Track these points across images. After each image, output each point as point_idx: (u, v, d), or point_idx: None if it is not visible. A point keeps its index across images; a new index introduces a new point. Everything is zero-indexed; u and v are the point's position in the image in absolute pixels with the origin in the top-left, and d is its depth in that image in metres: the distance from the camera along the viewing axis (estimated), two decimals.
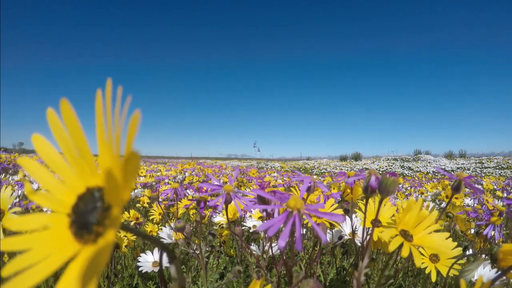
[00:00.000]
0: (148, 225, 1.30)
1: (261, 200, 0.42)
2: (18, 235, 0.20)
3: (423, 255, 0.59)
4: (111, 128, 0.18)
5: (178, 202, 1.14)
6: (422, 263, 0.58)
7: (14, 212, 0.50)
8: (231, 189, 0.50)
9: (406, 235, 0.40)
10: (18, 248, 0.19)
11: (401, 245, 0.37)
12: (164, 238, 1.01)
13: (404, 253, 0.35)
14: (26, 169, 0.22)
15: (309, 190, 0.48)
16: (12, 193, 0.52)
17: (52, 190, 0.22)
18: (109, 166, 0.18)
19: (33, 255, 0.19)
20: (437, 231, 0.42)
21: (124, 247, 1.09)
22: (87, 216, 0.19)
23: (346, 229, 0.88)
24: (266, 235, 0.62)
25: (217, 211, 1.14)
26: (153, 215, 1.34)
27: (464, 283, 0.30)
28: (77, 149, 0.20)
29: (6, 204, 0.50)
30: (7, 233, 0.47)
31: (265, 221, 0.28)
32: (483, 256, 0.62)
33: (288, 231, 0.27)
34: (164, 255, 0.26)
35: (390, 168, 13.76)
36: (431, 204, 1.27)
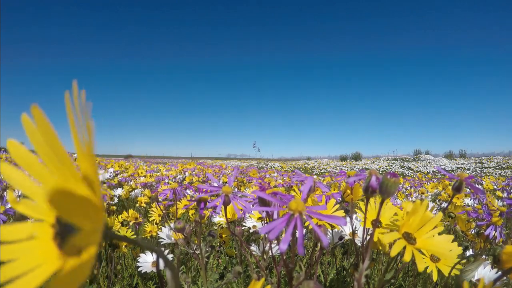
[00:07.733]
0: (147, 225, 1.30)
1: (262, 202, 0.41)
2: (4, 245, 0.19)
3: (423, 254, 0.59)
4: (83, 132, 0.18)
5: (178, 202, 1.13)
6: (426, 267, 0.57)
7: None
8: (230, 191, 0.50)
9: (409, 237, 0.39)
10: (4, 258, 0.18)
11: (403, 248, 0.36)
12: (163, 239, 1.01)
13: (407, 257, 0.34)
14: (7, 177, 0.20)
15: (309, 190, 0.47)
16: None
17: (36, 198, 0.20)
18: (86, 171, 0.18)
19: (19, 266, 0.18)
20: (439, 233, 0.41)
21: (124, 247, 1.09)
22: (70, 229, 0.18)
23: (346, 229, 0.88)
24: (267, 237, 0.62)
25: (216, 211, 1.14)
26: (152, 216, 1.34)
27: (467, 285, 0.30)
28: (55, 155, 0.19)
29: None
30: None
31: (266, 224, 0.28)
32: (483, 256, 0.62)
33: (290, 235, 0.26)
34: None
35: (390, 168, 13.75)
36: (431, 204, 1.27)
